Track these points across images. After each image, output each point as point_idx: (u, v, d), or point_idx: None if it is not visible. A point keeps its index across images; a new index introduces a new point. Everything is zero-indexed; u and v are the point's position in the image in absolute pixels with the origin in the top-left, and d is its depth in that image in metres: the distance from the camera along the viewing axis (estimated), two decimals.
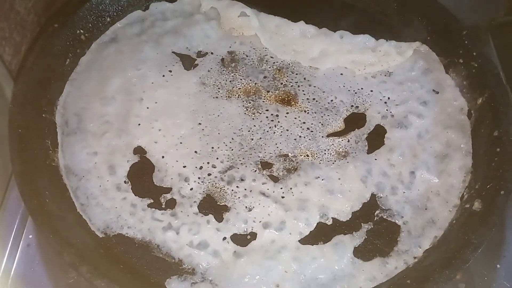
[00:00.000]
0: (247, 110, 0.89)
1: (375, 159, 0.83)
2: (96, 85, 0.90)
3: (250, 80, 0.92)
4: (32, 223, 0.83)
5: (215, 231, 0.76)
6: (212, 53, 0.95)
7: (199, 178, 0.81)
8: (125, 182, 0.81)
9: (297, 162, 0.83)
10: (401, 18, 1.00)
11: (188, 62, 0.94)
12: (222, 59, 0.95)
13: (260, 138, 0.86)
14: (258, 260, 0.73)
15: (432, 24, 0.96)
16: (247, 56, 0.95)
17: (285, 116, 0.88)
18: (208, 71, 0.93)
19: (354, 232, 0.77)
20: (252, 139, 0.85)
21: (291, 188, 0.80)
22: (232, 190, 0.80)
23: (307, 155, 0.84)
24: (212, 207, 0.79)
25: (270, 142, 0.85)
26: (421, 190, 0.80)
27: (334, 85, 0.92)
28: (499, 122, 0.82)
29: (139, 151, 0.84)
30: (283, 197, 0.79)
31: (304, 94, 0.91)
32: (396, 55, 0.95)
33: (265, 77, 0.93)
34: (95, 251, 0.73)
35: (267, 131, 0.86)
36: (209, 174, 0.82)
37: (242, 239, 0.76)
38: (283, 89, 0.91)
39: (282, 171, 0.83)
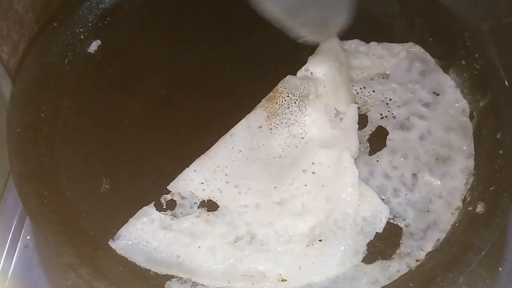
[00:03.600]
0: None
1: (377, 161, 0.83)
2: None
3: None
4: (30, 224, 0.82)
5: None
6: None
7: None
8: None
9: None
10: (403, 19, 1.00)
11: None
12: None
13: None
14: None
15: (434, 25, 0.96)
16: None
17: None
18: None
19: None
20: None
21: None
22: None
23: None
24: (213, 208, 0.78)
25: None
26: (424, 192, 0.80)
27: None
28: (501, 124, 0.82)
29: None
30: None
31: None
32: (389, 57, 0.94)
33: None
34: (94, 252, 0.72)
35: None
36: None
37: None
38: None
39: None
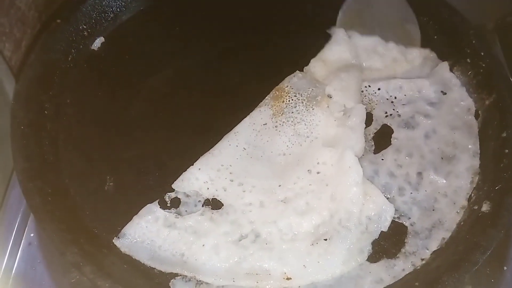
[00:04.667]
0: None
1: (382, 159, 0.82)
2: None
3: None
4: (34, 222, 0.82)
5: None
6: None
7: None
8: None
9: None
10: None
11: None
12: None
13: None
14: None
15: (439, 23, 0.96)
16: None
17: None
18: None
19: None
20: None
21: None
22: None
23: None
24: (217, 206, 0.78)
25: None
26: (429, 191, 0.79)
27: None
28: (507, 123, 0.81)
29: None
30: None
31: None
32: (403, 62, 0.94)
33: None
34: (98, 250, 0.72)
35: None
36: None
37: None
38: None
39: None
